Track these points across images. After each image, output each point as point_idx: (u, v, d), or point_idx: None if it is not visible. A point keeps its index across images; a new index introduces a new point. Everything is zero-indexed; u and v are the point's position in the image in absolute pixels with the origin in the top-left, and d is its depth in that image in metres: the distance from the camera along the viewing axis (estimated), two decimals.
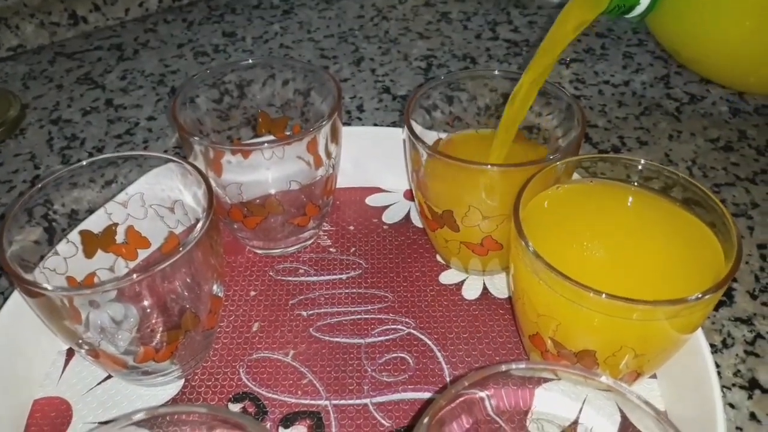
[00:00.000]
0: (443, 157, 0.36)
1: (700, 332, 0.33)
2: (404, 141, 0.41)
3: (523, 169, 0.34)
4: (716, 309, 0.41)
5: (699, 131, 0.55)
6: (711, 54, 0.55)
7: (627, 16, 0.37)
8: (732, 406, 0.36)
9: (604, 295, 0.27)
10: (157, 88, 0.63)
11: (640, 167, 0.35)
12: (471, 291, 0.42)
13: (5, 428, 0.34)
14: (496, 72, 0.42)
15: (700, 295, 0.28)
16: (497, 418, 0.29)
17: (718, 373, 0.38)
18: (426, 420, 0.24)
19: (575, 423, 0.31)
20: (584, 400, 0.30)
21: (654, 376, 0.36)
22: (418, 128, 0.40)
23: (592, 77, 0.62)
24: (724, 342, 0.40)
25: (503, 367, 0.26)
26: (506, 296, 0.41)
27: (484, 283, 0.42)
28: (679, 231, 0.33)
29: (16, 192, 0.52)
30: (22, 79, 0.65)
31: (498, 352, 0.38)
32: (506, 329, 0.39)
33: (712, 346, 0.39)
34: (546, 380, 0.30)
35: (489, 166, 0.35)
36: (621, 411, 0.28)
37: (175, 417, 0.27)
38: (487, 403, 0.29)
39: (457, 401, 0.26)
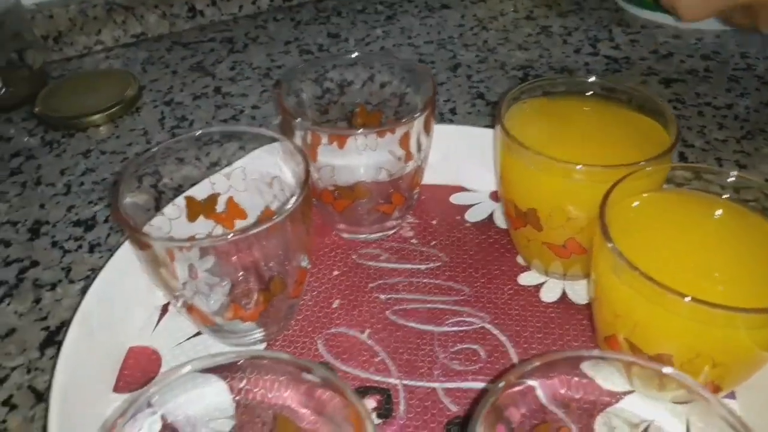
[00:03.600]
0: (531, 152, 0.36)
1: None
2: (494, 135, 0.41)
3: (613, 170, 0.34)
4: None
5: None
6: None
7: None
8: None
9: (685, 297, 0.27)
10: (262, 80, 0.67)
11: (729, 179, 0.34)
12: (549, 294, 0.42)
13: (104, 368, 0.38)
14: (595, 79, 0.42)
15: None
16: (557, 410, 0.29)
17: None
18: (491, 399, 0.24)
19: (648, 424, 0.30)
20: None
21: (733, 396, 0.35)
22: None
23: (692, 98, 0.60)
24: None
25: (582, 353, 0.26)
26: (585, 302, 0.41)
27: (563, 288, 0.42)
28: None
29: None
30: (142, 63, 0.71)
31: None
32: (582, 334, 0.39)
33: None
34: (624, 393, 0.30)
35: (577, 166, 0.35)
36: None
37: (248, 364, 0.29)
38: (542, 392, 0.29)
39: (524, 386, 0.27)
